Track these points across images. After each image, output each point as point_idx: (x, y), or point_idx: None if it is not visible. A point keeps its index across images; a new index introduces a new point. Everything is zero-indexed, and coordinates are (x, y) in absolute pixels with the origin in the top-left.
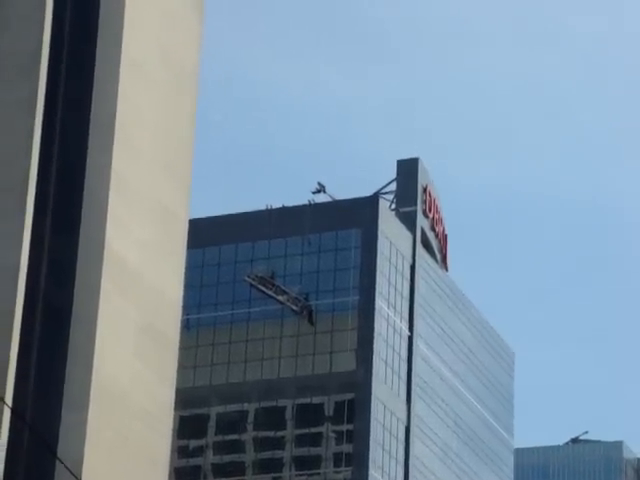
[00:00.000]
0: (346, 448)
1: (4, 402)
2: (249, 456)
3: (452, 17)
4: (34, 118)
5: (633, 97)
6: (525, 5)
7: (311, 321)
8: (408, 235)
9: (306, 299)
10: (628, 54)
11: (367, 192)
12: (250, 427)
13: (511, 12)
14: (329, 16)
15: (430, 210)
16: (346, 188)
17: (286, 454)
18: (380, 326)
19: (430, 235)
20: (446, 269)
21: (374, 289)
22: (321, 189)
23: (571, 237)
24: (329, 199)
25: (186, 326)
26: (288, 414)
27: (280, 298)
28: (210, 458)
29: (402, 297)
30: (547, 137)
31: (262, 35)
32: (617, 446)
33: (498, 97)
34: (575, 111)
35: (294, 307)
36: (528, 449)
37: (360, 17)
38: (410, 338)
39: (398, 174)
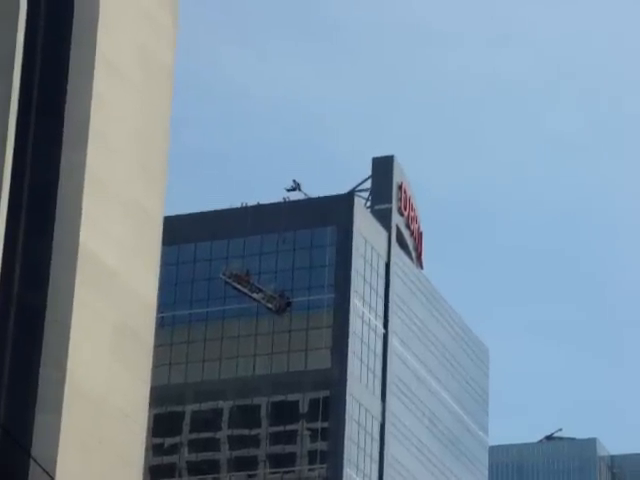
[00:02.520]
0: (321, 446)
1: None
2: (224, 454)
3: (421, 18)
4: (7, 118)
5: (603, 95)
6: (492, 5)
7: (284, 310)
8: (383, 233)
9: (281, 296)
10: (596, 53)
11: (342, 190)
12: (225, 425)
13: (478, 12)
14: (302, 16)
15: (405, 208)
16: (321, 186)
17: (261, 452)
18: (355, 324)
19: (405, 233)
20: (421, 267)
21: (349, 287)
22: (296, 187)
23: (544, 235)
24: (304, 197)
25: (161, 324)
26: (263, 412)
27: (255, 296)
28: (185, 456)
29: (377, 295)
30: (520, 136)
31: (235, 35)
32: (591, 443)
33: (471, 96)
34: (546, 110)
35: (269, 305)
36: (502, 446)
37: (332, 18)
38: (385, 336)
39: (373, 172)
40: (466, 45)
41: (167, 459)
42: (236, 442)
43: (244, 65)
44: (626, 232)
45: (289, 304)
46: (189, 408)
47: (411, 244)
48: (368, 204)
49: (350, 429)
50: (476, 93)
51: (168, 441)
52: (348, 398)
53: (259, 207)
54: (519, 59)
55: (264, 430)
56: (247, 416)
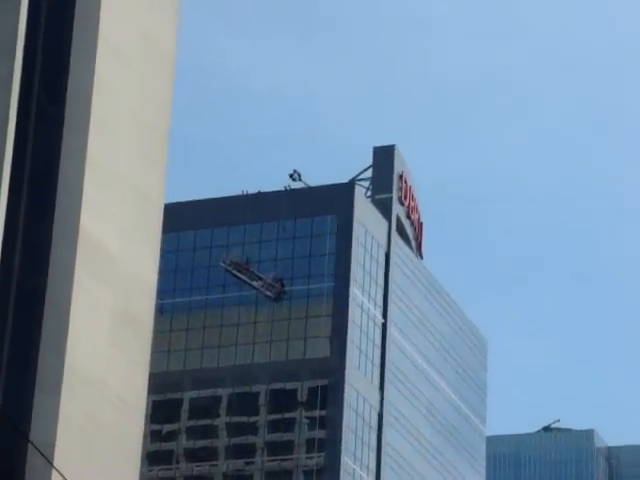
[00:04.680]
0: (319, 434)
1: None
2: (222, 441)
3: (419, 9)
4: (9, 102)
5: (596, 87)
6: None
7: (281, 297)
8: (383, 222)
9: (282, 284)
10: (591, 46)
11: (343, 179)
12: (223, 412)
13: (477, 4)
14: (300, 7)
15: (406, 198)
16: (322, 175)
17: (259, 439)
18: (354, 313)
19: (405, 223)
20: (421, 257)
21: (349, 276)
22: (296, 177)
23: (543, 226)
24: (305, 186)
25: (160, 311)
26: (261, 399)
27: (255, 284)
28: (183, 443)
29: (377, 284)
30: (519, 127)
31: (235, 26)
32: (588, 434)
33: (470, 87)
34: (545, 101)
35: (268, 293)
36: (500, 437)
37: (330, 8)
38: (384, 325)
39: (374, 161)
40: (464, 36)
41: (165, 446)
42: (234, 430)
43: (246, 55)
44: (625, 224)
45: (284, 292)
46: (187, 395)
47: (411, 234)
48: (369, 193)
49: (348, 418)
50: (475, 84)
51: (166, 428)
52: (346, 387)
53: (260, 195)
54: (516, 50)
55: (262, 418)
56: (245, 404)
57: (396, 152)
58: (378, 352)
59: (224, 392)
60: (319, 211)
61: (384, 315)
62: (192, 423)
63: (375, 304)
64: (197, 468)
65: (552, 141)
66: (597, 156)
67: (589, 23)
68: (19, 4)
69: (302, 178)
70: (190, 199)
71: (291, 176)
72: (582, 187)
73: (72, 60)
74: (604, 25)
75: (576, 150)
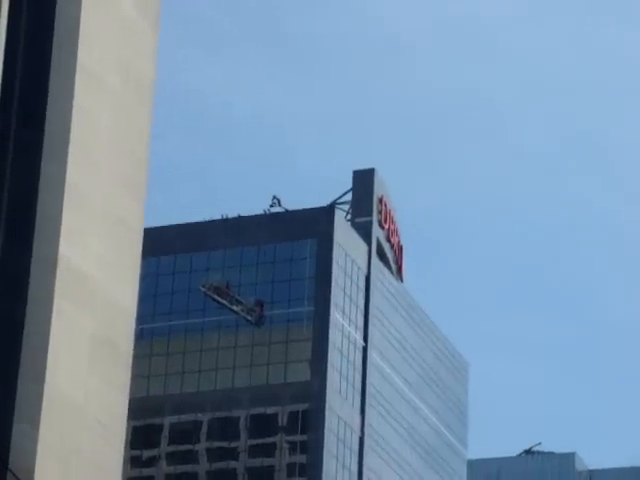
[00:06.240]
0: (300, 459)
1: None
2: (203, 466)
3: (393, 32)
4: None
5: (571, 111)
6: (460, 20)
7: (260, 322)
8: (364, 246)
9: (262, 309)
10: (566, 69)
11: (323, 202)
12: (204, 437)
13: (445, 27)
14: (276, 31)
15: (386, 221)
16: (302, 199)
17: (240, 464)
18: (335, 336)
19: (385, 246)
20: (401, 280)
21: (329, 299)
22: (275, 203)
23: (524, 249)
24: (284, 210)
25: (140, 335)
26: (242, 424)
27: (235, 308)
28: (163, 468)
29: (357, 308)
30: (499, 150)
31: (212, 50)
32: (570, 458)
33: (450, 110)
34: (524, 124)
35: (248, 317)
36: (481, 460)
37: (307, 33)
38: (365, 349)
39: (354, 185)
40: (433, 60)
41: (145, 471)
42: (215, 455)
43: (225, 80)
44: (604, 246)
45: (264, 315)
46: (168, 420)
47: (391, 257)
48: (349, 217)
49: (329, 442)
50: (456, 107)
51: (146, 453)
52: (327, 411)
53: (239, 219)
54: (498, 73)
55: (243, 443)
56: (226, 429)
57: (376, 176)
58: (359, 376)
59: (204, 417)
60: (299, 235)
61: (365, 339)
62: (172, 448)
63: (356, 328)
64: None
65: (533, 164)
66: (579, 181)
67: (566, 45)
68: None
69: (282, 202)
70: (169, 223)
71: (271, 205)
72: (563, 211)
73: (50, 87)
74: (577, 47)
75: (558, 175)
